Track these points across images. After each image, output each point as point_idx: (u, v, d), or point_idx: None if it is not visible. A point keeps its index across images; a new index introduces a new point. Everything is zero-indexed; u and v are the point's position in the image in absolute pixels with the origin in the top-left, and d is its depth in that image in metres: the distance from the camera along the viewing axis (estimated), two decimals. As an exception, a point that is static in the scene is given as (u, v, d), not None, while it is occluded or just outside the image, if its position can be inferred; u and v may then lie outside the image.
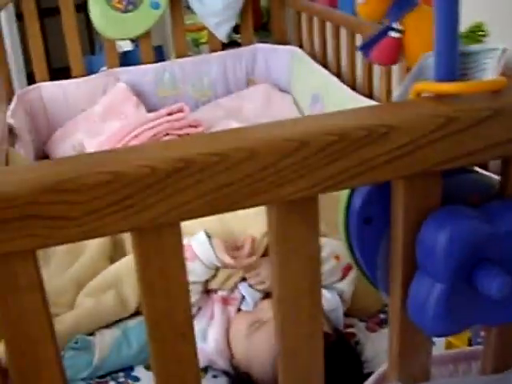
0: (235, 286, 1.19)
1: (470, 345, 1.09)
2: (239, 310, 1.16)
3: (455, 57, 0.64)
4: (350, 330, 1.22)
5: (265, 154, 0.53)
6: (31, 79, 2.32)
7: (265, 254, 1.22)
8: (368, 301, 1.24)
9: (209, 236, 1.17)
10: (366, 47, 0.88)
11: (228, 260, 1.13)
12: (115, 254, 1.40)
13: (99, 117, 2.06)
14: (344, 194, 0.66)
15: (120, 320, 1.25)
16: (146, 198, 0.52)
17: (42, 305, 0.56)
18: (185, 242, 1.15)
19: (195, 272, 1.14)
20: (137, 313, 1.26)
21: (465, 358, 0.83)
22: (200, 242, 1.17)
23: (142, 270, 0.56)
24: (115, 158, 0.53)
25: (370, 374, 0.95)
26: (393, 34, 0.87)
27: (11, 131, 1.89)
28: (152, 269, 0.56)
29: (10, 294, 0.54)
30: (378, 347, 1.15)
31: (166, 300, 0.58)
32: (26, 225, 0.50)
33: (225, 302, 1.17)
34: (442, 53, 0.63)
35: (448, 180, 0.65)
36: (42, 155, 2.09)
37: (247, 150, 0.53)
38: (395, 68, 1.71)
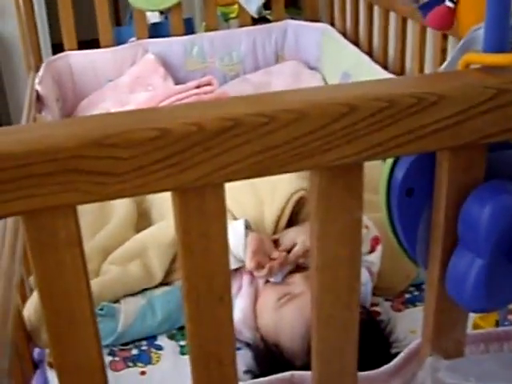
0: None
1: (497, 327, 1.08)
2: (267, 281, 1.15)
3: (506, 29, 0.62)
4: (375, 308, 1.22)
5: (314, 117, 0.52)
6: (55, 51, 2.31)
7: (291, 221, 1.21)
8: (394, 280, 1.23)
9: (247, 226, 1.16)
10: (425, 8, 0.89)
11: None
12: (141, 224, 1.40)
13: (127, 87, 2.05)
14: (386, 165, 0.65)
15: (145, 289, 1.25)
16: (191, 156, 0.51)
17: (80, 261, 0.55)
18: None
19: None
20: (162, 284, 1.26)
21: (496, 339, 0.82)
22: (236, 232, 1.14)
23: (183, 232, 0.56)
24: (163, 114, 0.52)
25: (397, 354, 0.94)
26: (448, 3, 0.87)
27: (39, 98, 1.89)
28: (193, 231, 0.56)
29: (49, 249, 0.54)
30: (404, 327, 1.14)
31: (206, 263, 0.57)
32: (69, 179, 0.50)
33: (254, 274, 1.16)
34: (492, 24, 0.62)
35: (493, 154, 0.64)
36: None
37: (296, 112, 0.52)
38: (428, 47, 1.68)
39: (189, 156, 0.51)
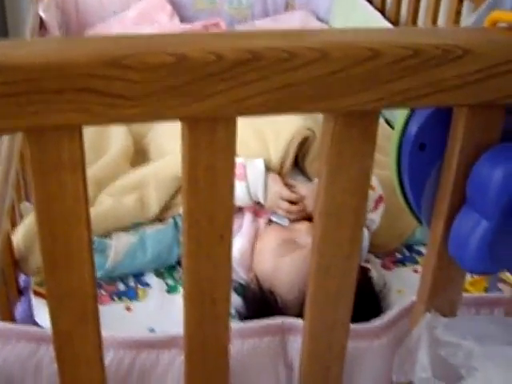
0: None
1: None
2: (270, 221, 1.13)
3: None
4: (365, 264, 1.21)
5: (337, 57, 0.50)
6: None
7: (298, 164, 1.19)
8: (388, 237, 1.22)
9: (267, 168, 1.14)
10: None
11: (284, 206, 1.09)
12: (138, 161, 1.38)
13: (132, 22, 2.01)
14: (400, 118, 0.63)
15: (137, 225, 1.23)
16: (207, 86, 0.49)
17: (82, 186, 0.54)
18: (239, 160, 1.12)
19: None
20: (156, 220, 1.24)
21: (488, 303, 0.82)
22: (257, 168, 1.12)
23: (189, 164, 0.54)
24: (182, 40, 0.50)
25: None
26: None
27: (42, 25, 1.85)
28: (200, 164, 0.54)
29: (51, 170, 0.52)
30: (391, 286, 1.13)
31: (210, 198, 0.56)
32: (79, 98, 0.48)
33: (256, 213, 1.14)
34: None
35: (509, 117, 0.62)
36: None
37: (319, 50, 0.50)
38: (442, 9, 1.65)
39: (204, 85, 0.49)
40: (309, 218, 1.11)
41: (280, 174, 1.17)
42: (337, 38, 0.52)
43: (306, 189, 1.13)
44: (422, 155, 0.63)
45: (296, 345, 0.74)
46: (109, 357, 0.70)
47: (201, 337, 0.63)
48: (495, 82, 0.56)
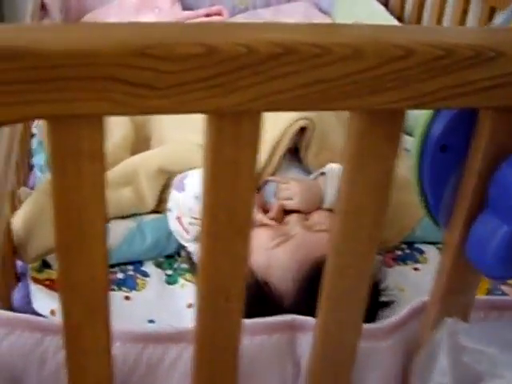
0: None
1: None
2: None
3: None
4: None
5: (369, 55, 0.49)
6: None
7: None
8: (390, 233, 1.21)
9: None
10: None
11: (259, 218, 1.08)
12: (138, 149, 1.36)
13: (133, 7, 1.99)
14: (424, 118, 0.62)
15: (136, 215, 1.22)
16: (236, 80, 0.48)
17: (100, 176, 0.53)
18: None
19: None
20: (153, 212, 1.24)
21: (496, 307, 0.81)
22: None
23: (212, 158, 0.53)
24: (212, 31, 0.49)
25: (385, 303, 0.94)
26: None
27: (43, 7, 1.83)
28: (223, 158, 0.53)
29: (70, 158, 0.51)
30: (391, 283, 1.13)
31: (232, 193, 0.55)
32: (104, 87, 0.47)
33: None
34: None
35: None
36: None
37: (352, 47, 0.49)
38: (449, 5, 1.64)
39: (234, 79, 0.48)
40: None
41: (265, 166, 1.16)
42: (369, 35, 0.51)
43: (299, 186, 1.12)
44: (444, 157, 0.62)
45: (304, 343, 0.73)
46: (116, 349, 0.69)
47: (212, 332, 0.62)
48: (525, 85, 0.55)
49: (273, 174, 1.19)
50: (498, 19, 0.63)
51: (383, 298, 1.01)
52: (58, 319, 0.73)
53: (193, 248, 1.14)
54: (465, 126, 0.61)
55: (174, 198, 1.14)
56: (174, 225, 1.14)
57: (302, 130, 1.21)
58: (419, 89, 0.52)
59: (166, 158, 1.23)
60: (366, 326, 0.73)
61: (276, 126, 1.18)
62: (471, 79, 0.53)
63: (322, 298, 0.64)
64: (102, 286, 0.58)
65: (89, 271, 0.56)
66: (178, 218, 1.13)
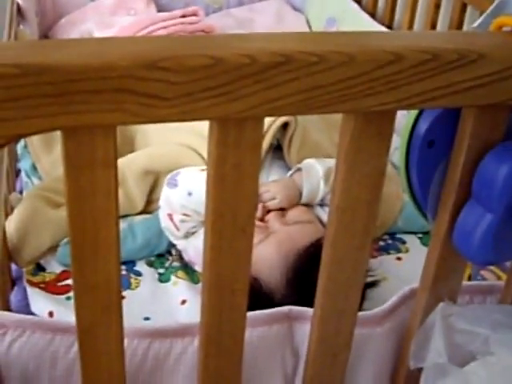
0: None
1: (469, 281, 1.12)
2: None
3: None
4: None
5: (362, 61, 0.53)
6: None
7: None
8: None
9: None
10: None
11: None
12: (123, 149, 1.38)
13: (108, 9, 2.00)
14: (411, 116, 0.66)
15: (125, 216, 1.25)
16: (241, 88, 0.51)
17: (113, 183, 0.56)
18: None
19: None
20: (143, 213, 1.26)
21: (480, 291, 0.85)
22: None
23: (216, 162, 0.56)
24: (217, 43, 0.52)
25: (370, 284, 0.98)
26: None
27: (19, 11, 1.83)
28: (227, 161, 0.56)
29: (85, 167, 0.54)
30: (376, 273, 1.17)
31: (235, 194, 0.58)
32: (118, 99, 0.50)
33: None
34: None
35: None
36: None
37: (347, 54, 0.52)
38: (421, 1, 1.69)
39: (238, 87, 0.51)
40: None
41: None
42: (363, 42, 0.54)
43: (276, 186, 1.16)
44: (430, 152, 0.66)
45: (302, 332, 0.77)
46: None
47: (218, 326, 0.66)
48: (505, 84, 0.59)
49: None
50: (477, 22, 0.67)
51: (369, 279, 1.05)
52: (65, 320, 0.76)
53: (182, 246, 1.17)
54: (450, 122, 0.65)
55: (166, 195, 1.16)
56: (164, 222, 1.17)
57: (284, 127, 1.25)
58: (409, 91, 0.56)
59: (151, 158, 1.26)
60: (361, 313, 0.77)
61: None
62: (456, 80, 0.57)
63: (319, 289, 0.68)
64: (115, 287, 0.61)
65: (103, 274, 0.60)
66: (169, 215, 1.15)
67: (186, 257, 1.18)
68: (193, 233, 1.15)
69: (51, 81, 0.48)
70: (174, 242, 1.19)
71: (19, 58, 0.48)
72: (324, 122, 1.33)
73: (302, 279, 0.98)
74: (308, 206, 1.17)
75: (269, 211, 1.14)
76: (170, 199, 1.15)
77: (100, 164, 0.54)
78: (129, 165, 1.26)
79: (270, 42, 0.52)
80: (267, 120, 1.21)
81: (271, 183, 1.17)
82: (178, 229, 1.15)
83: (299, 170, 1.18)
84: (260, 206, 1.13)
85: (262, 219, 1.12)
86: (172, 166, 1.21)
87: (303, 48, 0.52)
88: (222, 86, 0.51)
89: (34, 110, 0.49)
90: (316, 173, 1.16)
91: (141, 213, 1.26)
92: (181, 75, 0.50)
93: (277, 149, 1.29)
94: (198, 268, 1.14)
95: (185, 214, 1.12)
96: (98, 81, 0.49)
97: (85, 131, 0.52)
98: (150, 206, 1.26)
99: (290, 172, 1.22)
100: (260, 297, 1.00)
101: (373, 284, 1.04)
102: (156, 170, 1.23)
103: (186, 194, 1.12)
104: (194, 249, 1.14)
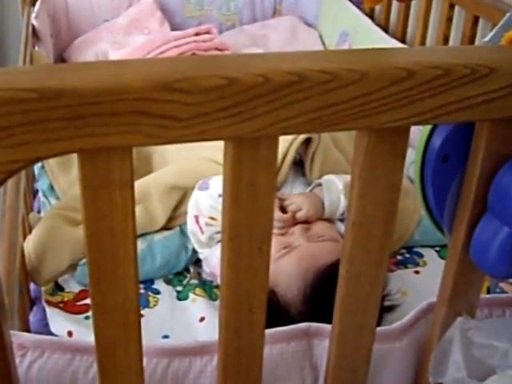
0: None
1: (488, 294, 1.12)
2: None
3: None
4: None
5: (374, 78, 0.53)
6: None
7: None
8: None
9: None
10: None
11: (281, 216, 1.12)
12: (140, 168, 1.40)
13: (122, 29, 2.03)
14: (424, 131, 0.66)
15: (145, 233, 1.25)
16: (255, 107, 0.52)
17: (130, 203, 0.56)
18: None
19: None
20: (163, 229, 1.27)
21: (499, 304, 0.85)
22: None
23: (232, 181, 0.57)
24: (230, 63, 0.53)
25: (389, 307, 0.98)
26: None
27: (34, 33, 1.86)
28: (243, 180, 0.57)
29: (102, 188, 0.55)
30: (394, 287, 1.17)
31: (251, 213, 0.58)
32: (134, 121, 0.50)
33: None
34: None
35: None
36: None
37: (359, 72, 0.53)
38: (433, 15, 1.69)
39: (252, 107, 0.52)
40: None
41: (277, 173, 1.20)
42: (375, 60, 0.55)
43: (300, 198, 1.16)
44: (445, 166, 0.66)
45: (321, 348, 0.77)
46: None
47: (236, 343, 0.66)
48: (517, 97, 0.59)
49: (280, 187, 1.23)
50: (488, 36, 0.67)
51: (387, 303, 1.05)
52: (84, 340, 0.77)
53: (206, 254, 1.18)
54: (464, 136, 0.66)
55: (195, 198, 1.17)
56: (191, 225, 1.18)
57: (307, 142, 1.25)
58: (421, 106, 0.56)
59: (178, 174, 1.27)
60: (380, 328, 0.76)
61: (282, 138, 1.22)
62: (468, 95, 0.57)
63: (337, 305, 0.68)
64: (134, 307, 0.62)
65: (121, 293, 0.60)
66: (196, 217, 1.16)
67: (207, 268, 1.19)
68: (217, 242, 1.15)
69: (67, 104, 0.49)
70: (199, 250, 1.19)
71: (36, 83, 0.48)
72: (347, 138, 1.34)
73: (318, 297, 0.99)
74: (330, 221, 1.17)
75: (296, 223, 1.15)
76: (198, 201, 1.16)
77: (117, 185, 0.55)
78: (156, 180, 1.28)
79: (282, 61, 0.53)
80: (289, 136, 1.22)
81: (295, 196, 1.18)
82: (202, 232, 1.15)
83: (319, 185, 1.19)
84: (289, 214, 1.13)
85: (286, 232, 1.12)
86: (201, 180, 1.22)
87: (316, 66, 0.52)
88: (235, 105, 0.51)
89: (51, 133, 0.49)
90: (336, 187, 1.17)
91: (161, 229, 1.27)
92: (195, 96, 0.50)
93: (295, 164, 1.29)
94: (220, 280, 1.15)
95: (211, 218, 1.13)
96: (114, 103, 0.49)
97: (101, 153, 0.53)
98: (171, 222, 1.26)
99: (310, 187, 1.22)
100: (275, 309, 1.00)
101: (390, 308, 1.04)
102: (184, 185, 1.24)
103: (216, 196, 1.13)
104: (217, 259, 1.14)
